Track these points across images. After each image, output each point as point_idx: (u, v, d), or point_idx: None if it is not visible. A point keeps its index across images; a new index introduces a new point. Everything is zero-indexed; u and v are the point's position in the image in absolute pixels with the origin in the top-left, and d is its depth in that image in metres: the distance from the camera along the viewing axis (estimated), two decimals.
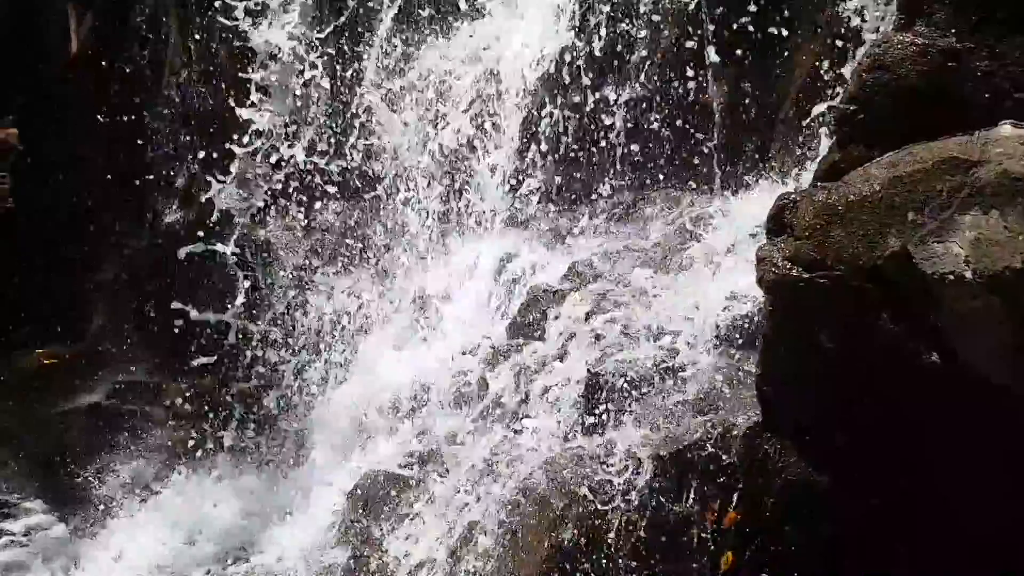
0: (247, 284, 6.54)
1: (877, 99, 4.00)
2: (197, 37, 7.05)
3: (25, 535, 6.51)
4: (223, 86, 6.92)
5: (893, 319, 3.75)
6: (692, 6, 5.90)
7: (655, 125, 5.98)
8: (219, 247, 6.66)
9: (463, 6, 6.50)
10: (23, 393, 7.54)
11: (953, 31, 3.97)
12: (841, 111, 4.11)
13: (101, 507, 6.60)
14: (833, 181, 3.96)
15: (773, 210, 4.03)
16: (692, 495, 4.38)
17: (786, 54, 5.80)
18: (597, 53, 6.07)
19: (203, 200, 6.83)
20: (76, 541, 6.41)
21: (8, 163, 8.22)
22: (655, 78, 6.00)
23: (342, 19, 6.70)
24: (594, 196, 6.11)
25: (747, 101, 5.85)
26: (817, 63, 5.57)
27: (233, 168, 6.62)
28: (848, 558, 4.04)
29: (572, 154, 6.10)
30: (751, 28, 5.81)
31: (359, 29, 6.72)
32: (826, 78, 5.47)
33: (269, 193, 6.59)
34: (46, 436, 7.05)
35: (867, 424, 3.90)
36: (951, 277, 3.62)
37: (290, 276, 6.59)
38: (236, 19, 6.72)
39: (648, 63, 6.02)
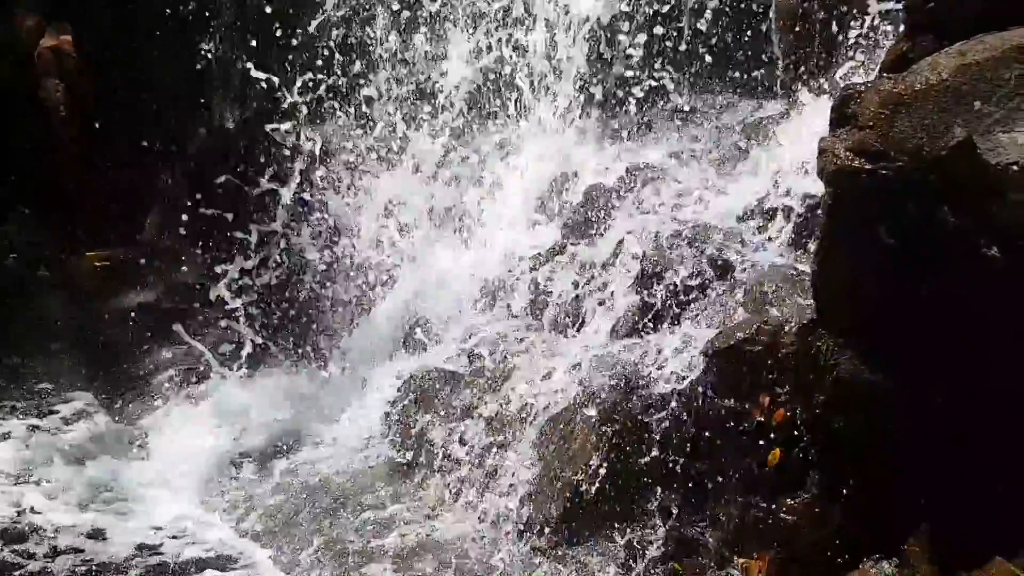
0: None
1: None
2: None
3: (70, 423, 6.56)
4: None
5: (955, 211, 3.70)
6: None
7: (719, 31, 5.94)
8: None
9: None
10: (75, 293, 7.62)
11: None
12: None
13: (148, 401, 6.65)
14: (900, 72, 3.90)
15: (837, 100, 3.98)
16: (742, 391, 4.36)
17: None
18: None
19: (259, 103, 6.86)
20: (122, 432, 6.45)
21: (63, 71, 8.25)
22: None
23: None
24: (655, 100, 6.08)
25: (812, 7, 5.80)
26: None
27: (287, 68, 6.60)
28: (899, 456, 4.01)
29: (634, 58, 6.06)
30: None
31: None
32: None
33: (326, 93, 6.55)
34: (96, 333, 7.10)
35: (925, 320, 3.85)
36: (1015, 168, 3.58)
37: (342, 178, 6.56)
38: None
39: None
